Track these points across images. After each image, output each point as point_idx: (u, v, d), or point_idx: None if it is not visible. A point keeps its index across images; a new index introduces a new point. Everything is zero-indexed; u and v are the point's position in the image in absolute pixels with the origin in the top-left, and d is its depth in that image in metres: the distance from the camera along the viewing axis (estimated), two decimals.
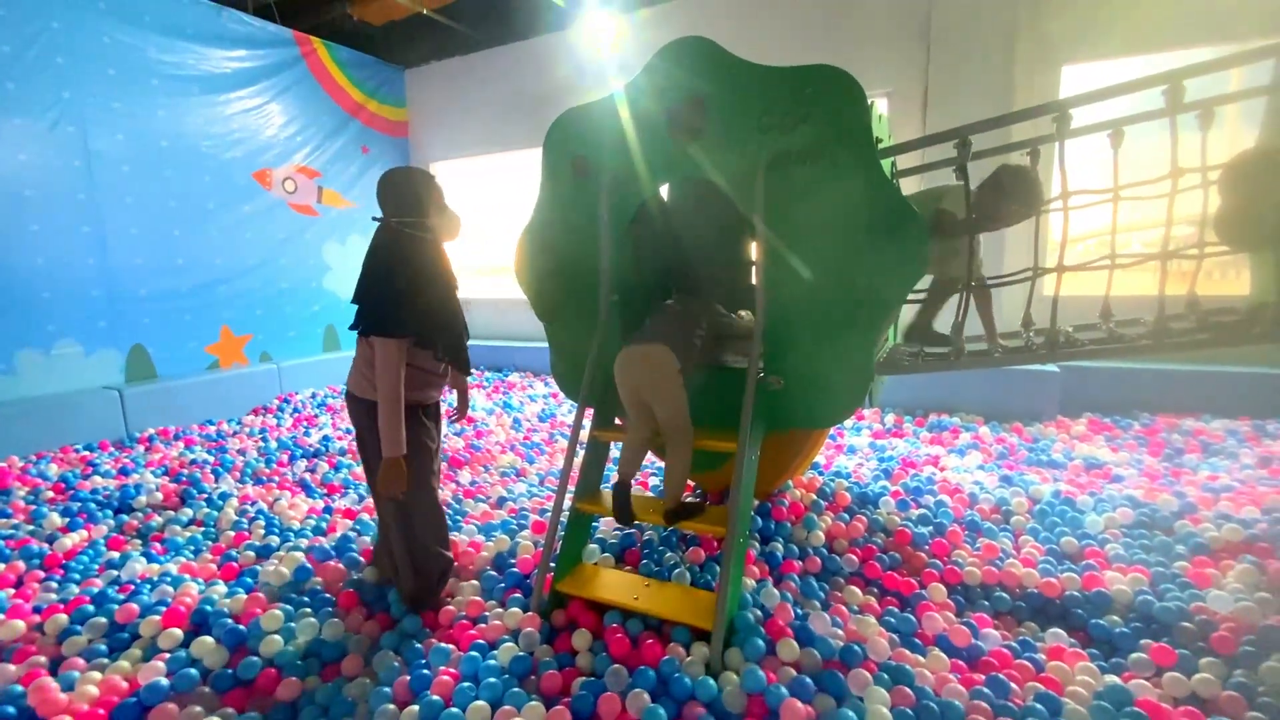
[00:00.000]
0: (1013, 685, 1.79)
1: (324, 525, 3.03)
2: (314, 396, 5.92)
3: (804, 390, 2.21)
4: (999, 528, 2.75)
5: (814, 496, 2.95)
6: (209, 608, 2.27)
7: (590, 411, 2.53)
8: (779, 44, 5.36)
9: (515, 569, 2.47)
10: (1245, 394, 4.20)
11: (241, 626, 2.15)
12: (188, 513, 3.24)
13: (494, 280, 7.77)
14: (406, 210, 2.15)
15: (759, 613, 2.10)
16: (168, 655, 2.06)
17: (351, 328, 2.13)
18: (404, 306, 2.05)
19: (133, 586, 2.49)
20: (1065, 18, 4.58)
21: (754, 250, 2.43)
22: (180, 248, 5.43)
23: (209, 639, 2.09)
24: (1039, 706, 1.69)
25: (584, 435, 2.53)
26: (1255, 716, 1.66)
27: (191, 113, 5.47)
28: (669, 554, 2.49)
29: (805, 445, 2.72)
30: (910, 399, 4.82)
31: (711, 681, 1.80)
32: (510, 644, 2.01)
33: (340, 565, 2.55)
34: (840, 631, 2.04)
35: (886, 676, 1.82)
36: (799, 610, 2.14)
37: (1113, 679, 1.82)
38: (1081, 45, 4.60)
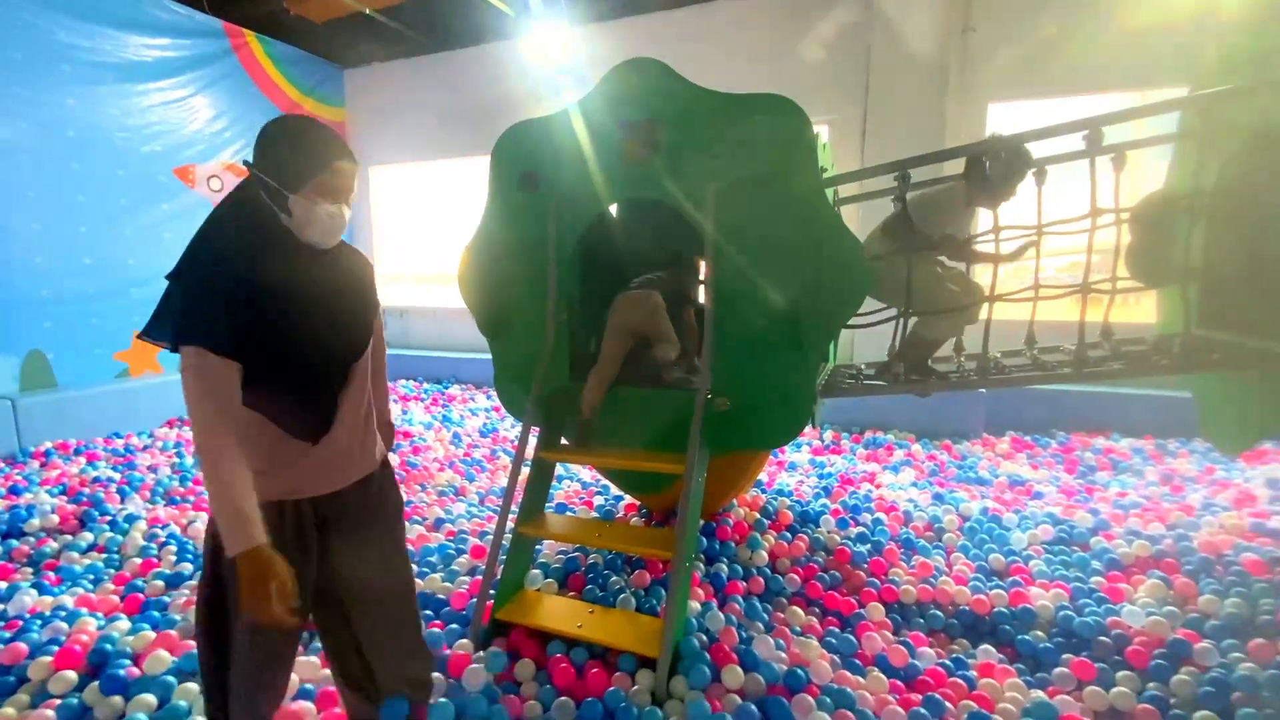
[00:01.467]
0: (948, 705, 1.84)
1: None
2: None
3: (749, 412, 2.22)
4: (932, 545, 2.84)
5: (757, 515, 2.97)
6: (109, 647, 2.07)
7: (535, 431, 2.47)
8: (727, 68, 5.47)
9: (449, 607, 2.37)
10: (1150, 415, 4.53)
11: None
12: (87, 537, 2.96)
13: (433, 289, 7.57)
14: (272, 168, 1.32)
15: (704, 637, 2.09)
16: (58, 702, 1.86)
17: (141, 334, 1.33)
18: (217, 294, 1.24)
19: (21, 623, 2.25)
20: (992, 60, 4.88)
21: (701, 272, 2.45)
22: (88, 246, 5.02)
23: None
24: None
25: (528, 454, 2.47)
26: None
27: (106, 102, 5.09)
28: (614, 578, 2.45)
29: (750, 466, 2.74)
30: (847, 417, 4.96)
31: (658, 712, 1.77)
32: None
33: None
34: (784, 655, 2.05)
35: (829, 700, 1.84)
36: (743, 633, 2.14)
37: (1039, 694, 1.89)
38: (1006, 86, 4.90)
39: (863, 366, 2.89)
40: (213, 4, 5.82)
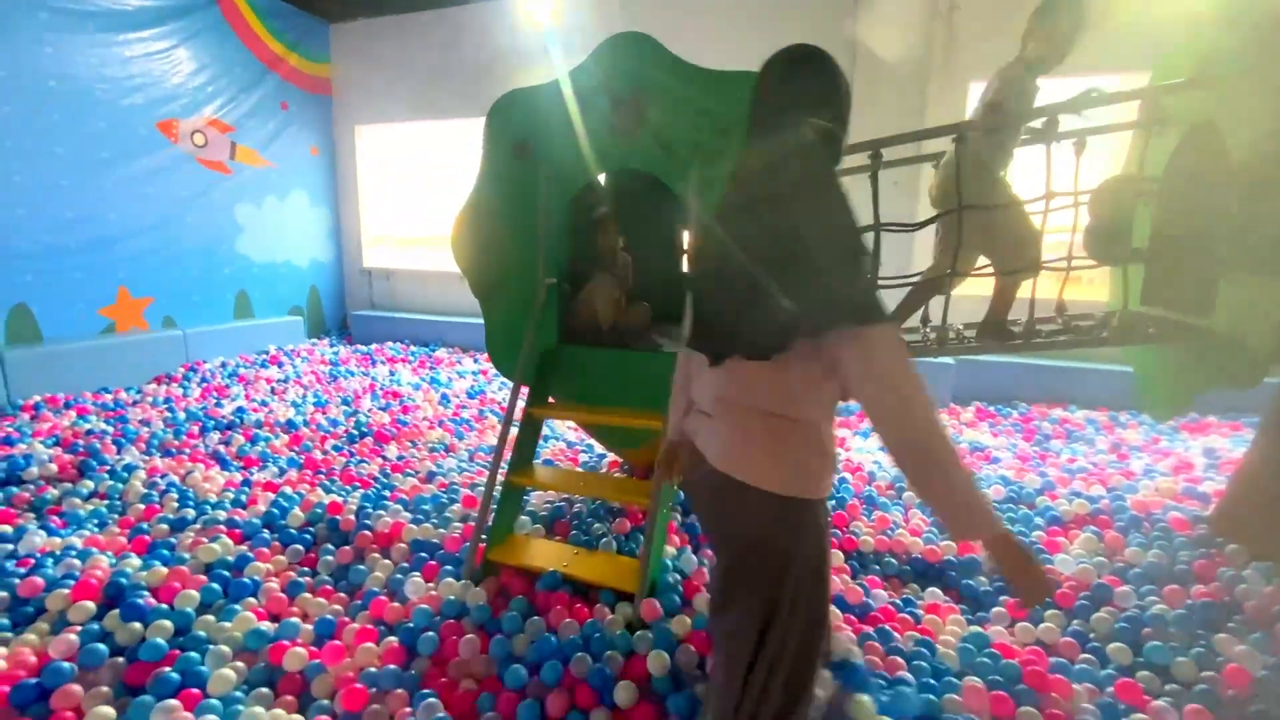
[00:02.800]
0: (895, 635, 2.06)
1: (243, 499, 2.97)
2: (224, 366, 5.64)
3: None
4: (892, 502, 3.07)
5: None
6: (123, 580, 2.21)
7: (524, 390, 2.61)
8: (711, 42, 5.51)
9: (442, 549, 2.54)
10: (1105, 388, 4.80)
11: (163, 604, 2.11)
12: (88, 485, 3.07)
13: (419, 252, 7.59)
14: (836, 113, 1.27)
15: (678, 575, 2.28)
16: (79, 628, 2.01)
17: (741, 353, 1.24)
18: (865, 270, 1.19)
19: (33, 560, 2.38)
20: (976, 39, 4.98)
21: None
22: (69, 200, 4.99)
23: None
24: (918, 649, 1.97)
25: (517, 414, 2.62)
26: (1086, 658, 2.00)
27: (85, 52, 5.00)
28: (597, 525, 2.63)
29: None
30: None
31: (628, 634, 1.97)
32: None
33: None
34: None
35: None
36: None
37: (976, 629, 2.12)
38: (990, 65, 5.01)
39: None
40: None
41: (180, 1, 5.66)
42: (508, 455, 2.50)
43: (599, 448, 3.60)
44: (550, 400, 2.69)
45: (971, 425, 4.51)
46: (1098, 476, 3.35)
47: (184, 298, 5.91)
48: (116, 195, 5.30)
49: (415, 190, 7.53)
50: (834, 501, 2.97)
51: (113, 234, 5.28)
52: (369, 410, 4.52)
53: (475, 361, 6.25)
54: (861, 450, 3.82)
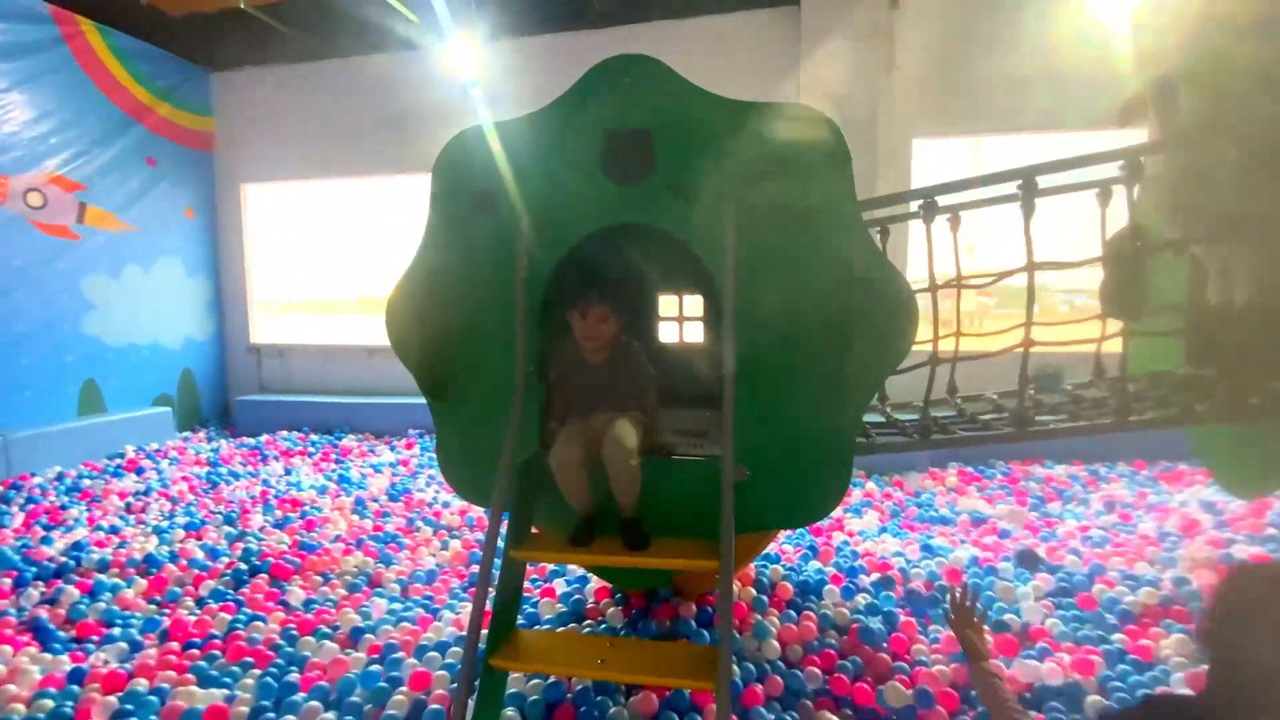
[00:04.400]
0: None
1: (69, 711, 2.00)
2: (60, 480, 4.42)
3: (775, 482, 1.83)
4: (939, 607, 2.58)
5: (753, 591, 2.57)
6: None
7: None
8: None
9: None
10: (1073, 441, 4.67)
11: None
12: None
13: (318, 323, 6.66)
14: None
15: None
16: None
17: None
18: None
19: None
20: (916, 97, 4.98)
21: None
22: None
23: None
24: None
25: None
26: None
27: None
28: (612, 709, 1.91)
29: (759, 541, 2.34)
30: None
31: None
32: None
33: None
34: None
35: None
36: None
37: None
38: (930, 123, 5.03)
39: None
40: None
41: (18, 38, 4.68)
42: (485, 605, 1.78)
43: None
44: (535, 530, 2.00)
45: (961, 492, 4.20)
46: (1128, 549, 3.06)
47: (8, 393, 4.66)
48: None
49: (314, 255, 6.65)
50: (880, 618, 2.43)
51: None
52: (261, 529, 3.57)
53: (393, 450, 5.33)
54: (867, 534, 3.37)
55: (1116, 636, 2.34)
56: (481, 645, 1.69)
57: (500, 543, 1.82)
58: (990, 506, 3.89)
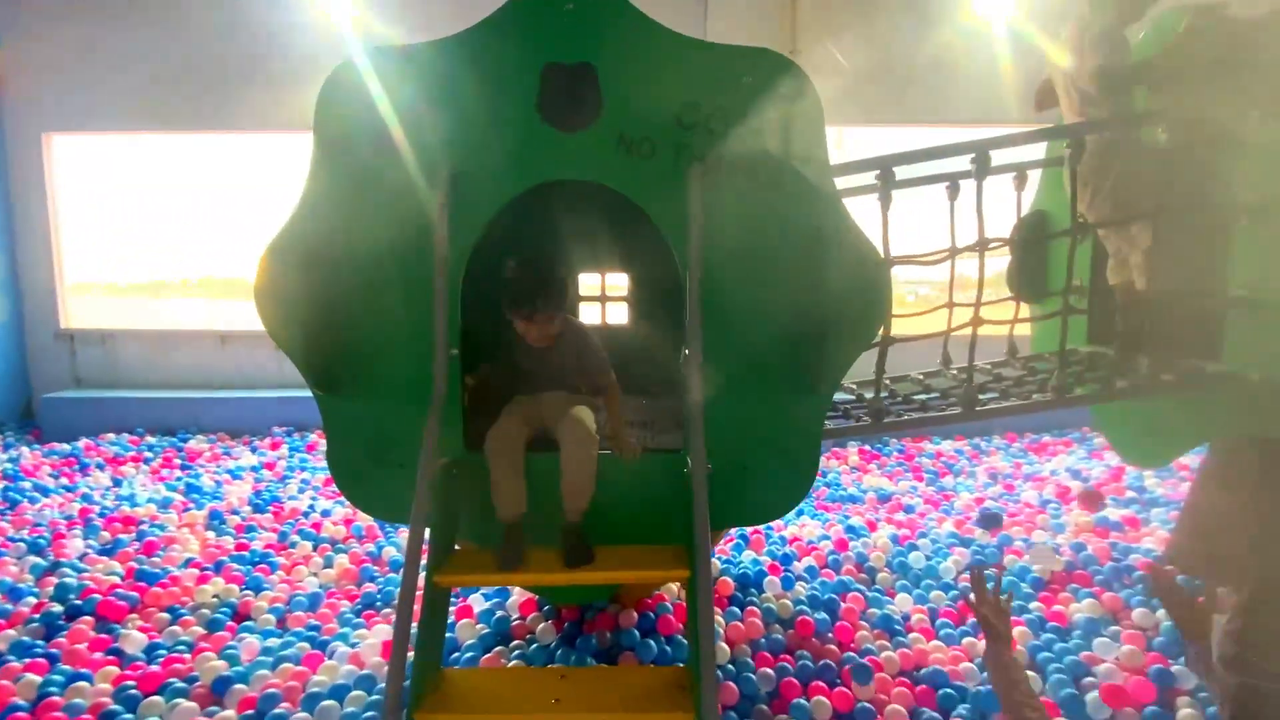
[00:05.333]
0: None
1: None
2: None
3: (736, 477, 1.65)
4: (869, 588, 2.57)
5: None
6: None
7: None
8: None
9: None
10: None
11: None
12: None
13: (151, 304, 5.68)
14: None
15: None
16: None
17: None
18: None
19: None
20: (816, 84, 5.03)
21: None
22: None
23: None
24: None
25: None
26: None
27: None
28: None
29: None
30: None
31: None
32: None
33: None
34: None
35: None
36: None
37: None
38: (832, 110, 5.09)
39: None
40: None
41: None
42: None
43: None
44: (457, 548, 1.67)
45: (863, 469, 4.34)
46: (1020, 519, 3.26)
47: None
48: None
49: (140, 221, 5.60)
50: (823, 610, 2.35)
51: None
52: (82, 558, 2.88)
53: (255, 451, 4.61)
54: (786, 517, 3.34)
55: (1034, 605, 2.44)
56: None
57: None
58: (892, 483, 4.05)
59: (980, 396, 2.09)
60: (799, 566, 2.71)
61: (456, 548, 1.65)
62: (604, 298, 2.78)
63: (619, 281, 2.85)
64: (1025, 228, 2.80)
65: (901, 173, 1.99)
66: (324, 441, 1.81)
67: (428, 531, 1.48)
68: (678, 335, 1.62)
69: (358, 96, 1.56)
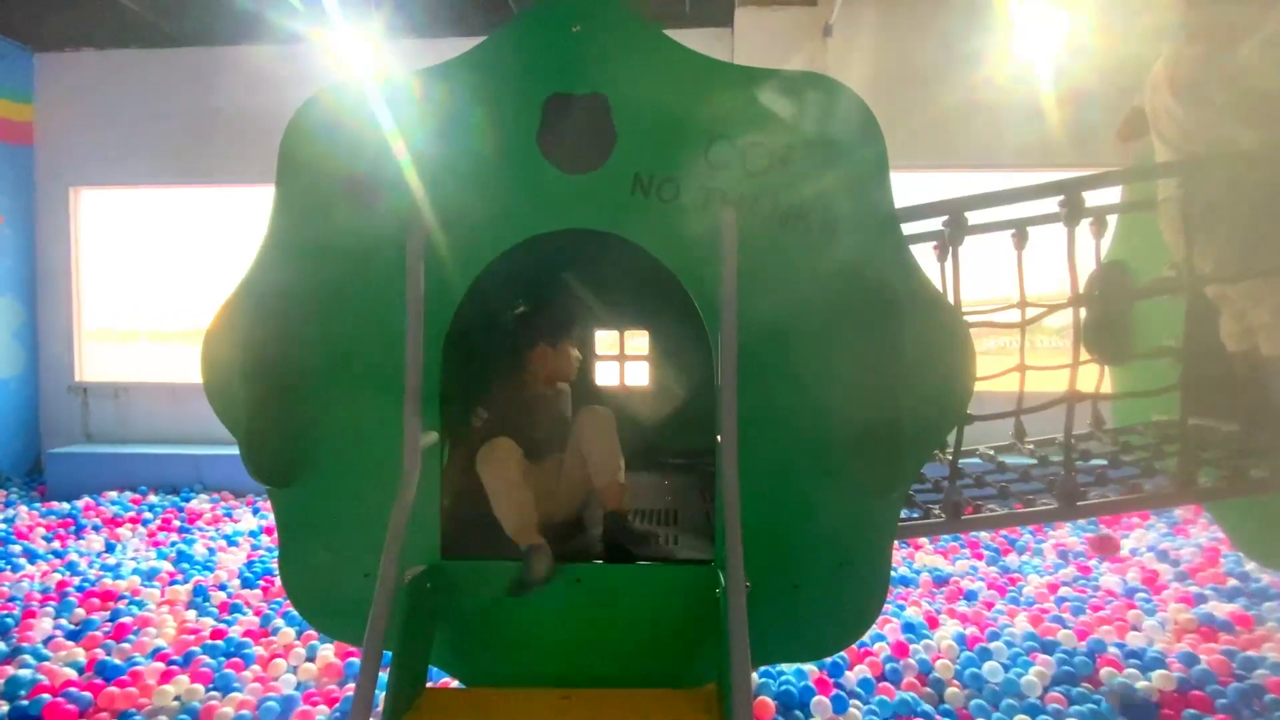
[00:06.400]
0: None
1: None
2: None
3: (784, 599, 1.30)
4: (936, 708, 2.14)
5: None
6: None
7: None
8: None
9: None
10: None
11: None
12: None
13: (160, 349, 5.60)
14: None
15: None
16: None
17: None
18: None
19: None
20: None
21: None
22: None
23: None
24: None
25: None
26: None
27: None
28: None
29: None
30: None
31: None
32: None
33: None
34: None
35: None
36: None
37: None
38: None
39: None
40: None
41: None
42: None
43: None
44: (429, 685, 1.34)
45: (915, 545, 3.87)
46: (1115, 616, 2.79)
47: None
48: None
49: (163, 274, 5.59)
50: None
51: None
52: (47, 642, 2.61)
53: (256, 513, 4.37)
54: None
55: None
56: None
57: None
58: (947, 562, 3.59)
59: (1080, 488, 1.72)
60: (851, 678, 2.28)
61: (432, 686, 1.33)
62: (622, 356, 2.49)
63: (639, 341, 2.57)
64: (1103, 281, 2.48)
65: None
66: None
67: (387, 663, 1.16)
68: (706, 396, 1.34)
69: (330, 133, 1.33)
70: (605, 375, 2.56)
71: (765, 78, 1.30)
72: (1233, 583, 3.14)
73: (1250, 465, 1.70)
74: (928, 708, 2.12)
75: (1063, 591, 3.10)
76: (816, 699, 2.09)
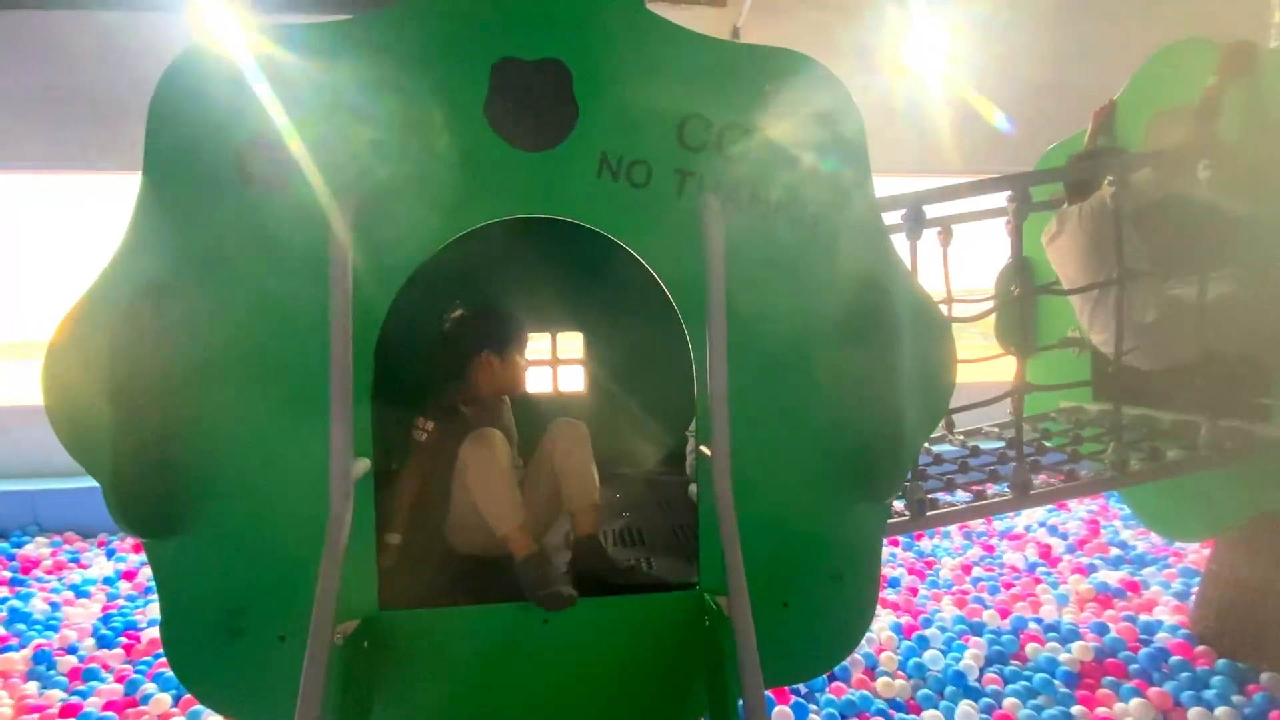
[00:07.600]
0: None
1: None
2: None
3: (773, 617, 1.19)
4: (889, 705, 2.15)
5: None
6: None
7: None
8: None
9: None
10: None
11: None
12: None
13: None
14: None
15: None
16: None
17: None
18: None
19: None
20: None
21: None
22: None
23: None
24: None
25: None
26: None
27: None
28: None
29: None
30: None
31: None
32: None
33: None
34: None
35: None
36: None
37: None
38: None
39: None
40: None
41: None
42: None
43: None
44: None
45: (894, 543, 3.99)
46: (1017, 592, 2.98)
47: None
48: None
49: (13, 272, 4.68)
50: None
51: None
52: None
53: (111, 556, 3.73)
54: None
55: (1076, 710, 2.08)
56: None
57: None
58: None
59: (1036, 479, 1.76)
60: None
61: None
62: (555, 360, 2.31)
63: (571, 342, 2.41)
64: (1010, 277, 2.61)
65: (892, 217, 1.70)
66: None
67: None
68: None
69: (207, 94, 1.07)
70: (535, 381, 2.38)
71: (738, 52, 1.19)
72: (1115, 551, 3.47)
73: (1167, 447, 1.82)
74: (881, 706, 2.13)
75: (975, 572, 3.28)
76: (778, 709, 2.03)
